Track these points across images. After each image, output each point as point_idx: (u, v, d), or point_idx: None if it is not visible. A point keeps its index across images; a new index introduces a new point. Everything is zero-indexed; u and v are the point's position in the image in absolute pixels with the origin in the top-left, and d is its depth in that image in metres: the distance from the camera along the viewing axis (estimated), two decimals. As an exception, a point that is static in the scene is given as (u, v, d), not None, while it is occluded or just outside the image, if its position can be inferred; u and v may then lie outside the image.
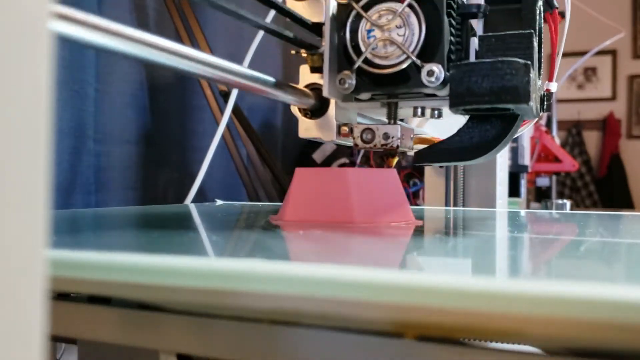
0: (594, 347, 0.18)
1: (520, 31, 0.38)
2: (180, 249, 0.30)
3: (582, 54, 1.82)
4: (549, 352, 0.19)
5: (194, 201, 0.84)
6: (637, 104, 3.60)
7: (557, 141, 2.00)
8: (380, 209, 0.43)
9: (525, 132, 1.51)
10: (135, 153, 1.03)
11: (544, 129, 1.87)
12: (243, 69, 0.39)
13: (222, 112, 1.02)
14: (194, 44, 1.06)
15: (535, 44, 0.39)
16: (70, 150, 0.86)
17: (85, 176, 0.90)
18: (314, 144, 1.59)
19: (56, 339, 0.29)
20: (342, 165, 1.54)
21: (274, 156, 1.28)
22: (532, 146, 1.69)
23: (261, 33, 0.77)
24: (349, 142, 0.48)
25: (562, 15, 0.47)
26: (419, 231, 0.42)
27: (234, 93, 0.86)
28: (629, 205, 3.40)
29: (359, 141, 0.45)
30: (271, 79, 0.41)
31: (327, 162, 1.57)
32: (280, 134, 1.56)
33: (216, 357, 0.23)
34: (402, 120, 0.53)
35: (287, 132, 1.58)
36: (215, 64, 0.36)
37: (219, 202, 0.79)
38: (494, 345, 0.21)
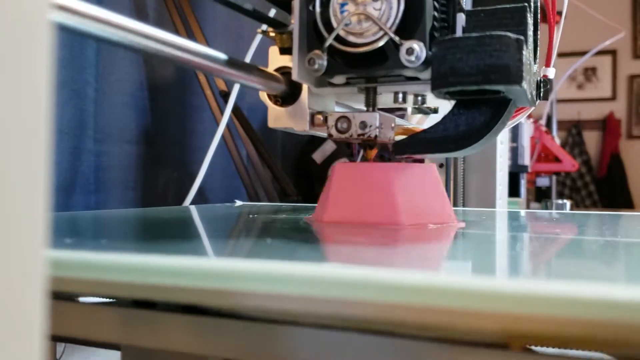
0: None
1: (513, 5, 0.34)
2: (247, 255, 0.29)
3: (582, 54, 1.82)
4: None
5: (194, 201, 0.84)
6: (637, 104, 3.60)
7: (557, 141, 2.00)
8: (424, 208, 0.40)
9: (525, 132, 1.51)
10: (135, 153, 1.03)
11: (544, 129, 1.87)
12: (203, 47, 0.35)
13: (222, 112, 1.02)
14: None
15: (530, 20, 0.35)
16: (70, 150, 0.86)
17: (85, 176, 0.90)
18: (314, 144, 1.59)
19: (56, 339, 0.29)
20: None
21: (274, 156, 1.28)
22: (532, 146, 1.69)
23: (259, 37, 0.76)
24: (323, 132, 0.43)
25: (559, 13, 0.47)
26: (473, 234, 0.39)
27: (234, 93, 0.86)
28: (629, 205, 3.40)
29: (333, 131, 0.40)
30: (238, 59, 0.38)
31: (327, 162, 1.57)
32: (280, 134, 1.56)
33: (219, 356, 0.23)
34: (402, 114, 0.50)
35: (287, 133, 1.58)
36: (169, 41, 0.33)
37: (238, 202, 0.79)
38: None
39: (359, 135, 0.39)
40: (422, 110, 0.51)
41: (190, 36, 1.06)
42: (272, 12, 0.60)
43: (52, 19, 0.13)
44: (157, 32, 0.32)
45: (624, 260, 0.30)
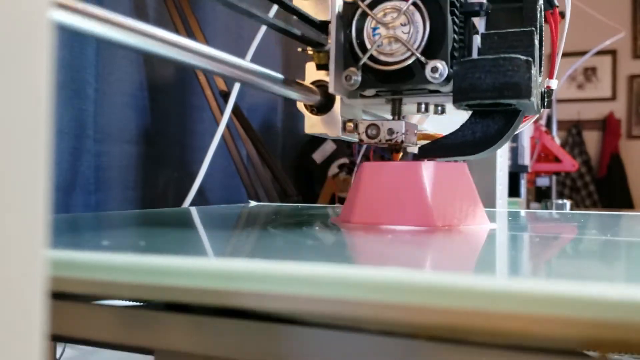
0: None
1: (522, 29, 0.39)
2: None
3: (582, 54, 1.82)
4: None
5: (194, 201, 0.84)
6: (637, 104, 3.60)
7: (557, 141, 2.00)
8: (455, 208, 0.42)
9: (525, 132, 1.51)
10: (135, 153, 1.03)
11: (544, 129, 1.87)
12: (251, 64, 0.39)
13: (222, 112, 1.02)
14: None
15: (536, 42, 0.39)
16: (70, 150, 0.86)
17: (85, 176, 0.90)
18: (314, 144, 1.59)
19: (56, 339, 0.29)
20: (342, 165, 1.54)
21: (274, 156, 1.28)
22: (532, 146, 1.69)
23: (261, 33, 0.77)
24: (354, 138, 0.49)
25: (562, 15, 0.47)
26: (509, 237, 0.40)
27: (234, 93, 0.86)
28: (629, 205, 3.40)
29: (364, 136, 0.45)
30: (278, 75, 0.42)
31: (327, 163, 1.57)
32: (280, 134, 1.56)
33: (219, 356, 0.23)
34: (403, 117, 0.53)
35: (287, 132, 1.58)
36: (222, 59, 0.36)
37: (253, 203, 0.79)
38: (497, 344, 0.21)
39: (386, 140, 0.45)
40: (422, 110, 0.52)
41: (190, 36, 1.06)
42: (272, 13, 0.61)
43: (52, 19, 0.13)
44: (197, 45, 0.34)
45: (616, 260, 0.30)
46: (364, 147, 1.50)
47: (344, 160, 1.54)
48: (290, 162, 1.62)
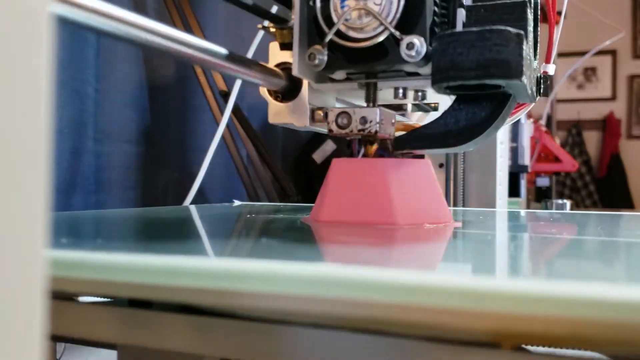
0: None
1: (513, 0, 0.34)
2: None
3: (582, 54, 1.82)
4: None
5: (194, 201, 0.84)
6: (637, 104, 3.60)
7: (557, 141, 2.00)
8: (420, 207, 0.40)
9: (525, 132, 1.51)
10: (135, 153, 1.03)
11: (544, 129, 1.87)
12: (204, 42, 0.35)
13: (222, 112, 1.02)
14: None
15: (530, 15, 0.35)
16: (70, 150, 0.86)
17: (85, 176, 0.90)
18: (314, 144, 1.59)
19: (56, 339, 0.29)
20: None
21: (274, 156, 1.28)
22: (532, 146, 1.69)
23: (261, 33, 0.76)
24: (323, 128, 0.44)
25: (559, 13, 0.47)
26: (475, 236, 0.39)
27: (234, 93, 0.86)
28: (629, 205, 3.40)
29: (333, 126, 0.39)
30: (238, 54, 0.38)
31: (327, 162, 1.57)
32: (280, 134, 1.56)
33: (219, 356, 0.23)
34: (403, 112, 0.50)
35: (287, 132, 1.58)
36: (170, 35, 0.33)
37: (237, 202, 0.79)
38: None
39: (359, 130, 0.39)
40: (422, 107, 0.51)
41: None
42: (274, 9, 0.60)
43: (53, 15, 0.13)
44: (158, 26, 0.32)
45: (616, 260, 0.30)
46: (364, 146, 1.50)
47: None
48: (290, 162, 1.62)
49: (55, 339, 0.28)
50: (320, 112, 0.43)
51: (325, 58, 0.37)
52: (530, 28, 0.35)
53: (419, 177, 0.41)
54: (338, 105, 0.46)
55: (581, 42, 2.08)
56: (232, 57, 0.37)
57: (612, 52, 3.55)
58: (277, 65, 0.44)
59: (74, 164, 0.87)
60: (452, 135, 0.35)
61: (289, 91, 0.43)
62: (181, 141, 1.16)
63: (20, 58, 0.12)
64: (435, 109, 0.50)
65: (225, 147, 1.09)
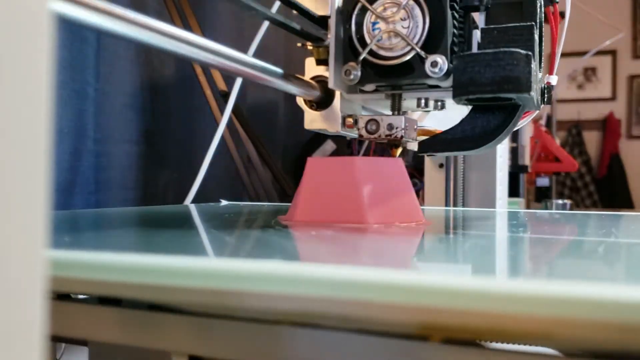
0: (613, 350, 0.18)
1: (521, 23, 0.39)
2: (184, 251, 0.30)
3: (582, 54, 1.82)
4: (567, 354, 0.19)
5: (194, 201, 0.84)
6: (637, 104, 3.60)
7: (557, 141, 2.00)
8: (390, 206, 0.42)
9: (525, 132, 1.51)
10: (135, 153, 1.03)
11: (544, 129, 1.87)
12: (250, 58, 0.39)
13: (222, 112, 1.02)
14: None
15: (536, 36, 0.39)
16: (70, 150, 0.86)
17: (85, 176, 0.90)
18: (314, 144, 1.59)
19: (56, 339, 0.29)
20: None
21: (274, 156, 1.28)
22: (532, 146, 1.69)
23: (261, 33, 0.77)
24: (353, 133, 0.49)
25: (562, 15, 0.47)
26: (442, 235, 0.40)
27: (234, 93, 0.86)
28: (629, 205, 3.40)
29: (363, 132, 0.45)
30: (278, 69, 0.42)
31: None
32: (281, 134, 1.56)
33: (219, 357, 0.23)
34: (404, 113, 0.53)
35: (287, 132, 1.58)
36: (221, 52, 0.36)
37: (224, 202, 0.79)
38: (501, 346, 0.21)
39: (386, 135, 0.44)
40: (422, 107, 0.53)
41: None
42: (274, 9, 0.60)
43: (53, 14, 0.13)
44: (196, 37, 0.34)
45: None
46: (364, 146, 1.50)
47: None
48: (290, 162, 1.62)
49: (55, 339, 0.28)
50: (351, 119, 0.48)
51: (359, 74, 0.42)
52: (536, 47, 0.39)
53: (389, 174, 0.43)
54: (364, 112, 0.52)
55: (581, 42, 2.08)
56: (273, 72, 0.41)
57: (612, 52, 3.55)
58: (312, 78, 0.50)
59: (74, 164, 0.87)
60: (469, 140, 0.40)
61: (323, 101, 0.49)
62: (181, 141, 1.16)
63: (20, 58, 0.12)
64: (443, 106, 0.53)
65: (225, 147, 1.09)
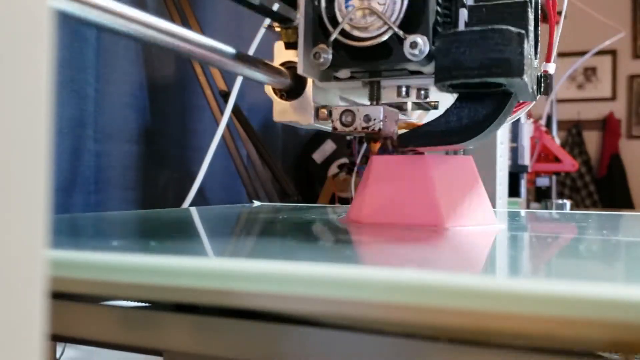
0: None
1: (514, 0, 0.35)
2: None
3: (582, 54, 1.82)
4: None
5: (194, 202, 0.84)
6: (637, 104, 3.60)
7: (557, 141, 2.00)
8: (465, 207, 0.38)
9: (525, 132, 1.51)
10: (135, 153, 1.03)
11: (544, 129, 1.87)
12: (207, 39, 0.36)
13: (222, 112, 1.02)
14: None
15: (531, 15, 0.35)
16: (70, 150, 0.86)
17: (85, 176, 0.90)
18: (314, 144, 1.59)
19: (56, 339, 0.28)
20: (342, 165, 1.53)
21: (274, 156, 1.28)
22: (532, 146, 1.69)
23: (261, 33, 0.76)
24: (327, 126, 0.44)
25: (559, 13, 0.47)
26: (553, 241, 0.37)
27: (234, 93, 0.86)
28: (629, 205, 3.40)
29: (337, 124, 0.40)
30: (244, 53, 0.38)
31: (327, 163, 1.57)
32: (280, 134, 1.56)
33: (219, 356, 0.23)
34: (404, 111, 0.50)
35: (287, 132, 1.58)
36: (175, 32, 0.33)
37: (257, 203, 0.79)
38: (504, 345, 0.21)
39: (363, 128, 0.40)
40: (422, 106, 0.51)
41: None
42: (275, 7, 0.59)
43: (53, 9, 0.13)
44: (163, 23, 0.32)
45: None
46: (364, 146, 1.50)
47: (344, 160, 1.54)
48: (290, 162, 1.62)
49: (55, 339, 0.28)
50: (325, 111, 0.44)
51: (330, 57, 0.37)
52: (531, 27, 0.35)
53: (463, 174, 0.40)
54: (342, 103, 0.47)
55: (581, 42, 2.07)
56: (237, 56, 0.38)
57: (612, 52, 3.55)
58: (282, 64, 0.45)
59: (74, 164, 0.87)
60: (455, 133, 0.36)
61: (293, 90, 0.44)
62: (181, 141, 1.16)
63: (20, 58, 0.12)
64: (436, 107, 0.50)
65: (225, 147, 1.09)
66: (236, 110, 1.10)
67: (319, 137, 1.56)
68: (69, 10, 0.25)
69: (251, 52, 0.79)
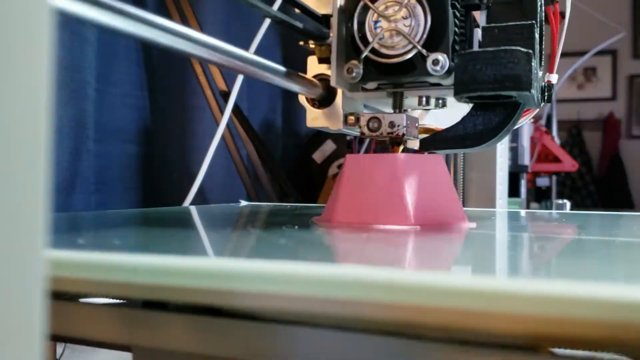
0: None
1: (522, 22, 0.39)
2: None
3: (582, 54, 1.82)
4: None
5: (194, 201, 0.84)
6: (637, 104, 3.60)
7: (557, 141, 2.00)
8: (435, 206, 0.41)
9: (525, 132, 1.51)
10: (135, 153, 1.03)
11: (544, 129, 1.87)
12: (253, 56, 0.39)
13: (222, 112, 1.02)
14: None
15: (537, 35, 0.39)
16: (70, 150, 0.86)
17: (85, 176, 0.90)
18: (314, 144, 1.59)
19: (56, 339, 0.29)
20: (342, 165, 1.53)
21: (274, 156, 1.28)
22: (532, 146, 1.69)
23: (261, 33, 0.77)
24: (355, 131, 0.49)
25: (562, 15, 0.47)
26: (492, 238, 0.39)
27: (234, 93, 0.86)
28: (629, 205, 3.40)
29: (365, 130, 0.45)
30: (281, 67, 0.42)
31: (327, 163, 1.57)
32: (280, 134, 1.56)
33: (220, 356, 0.23)
34: (405, 111, 0.53)
35: (287, 132, 1.58)
36: (224, 49, 0.36)
37: (243, 202, 0.79)
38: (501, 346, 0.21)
39: (388, 133, 0.44)
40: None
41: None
42: (275, 7, 0.60)
43: (53, 8, 0.13)
44: (198, 34, 0.34)
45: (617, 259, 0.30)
46: (364, 146, 1.50)
47: (344, 160, 1.54)
48: (290, 162, 1.62)
49: (55, 339, 0.28)
50: (352, 117, 0.48)
51: (361, 72, 0.42)
52: (537, 45, 0.40)
53: (433, 172, 0.42)
54: (366, 110, 0.51)
55: (581, 42, 2.08)
56: (276, 70, 0.42)
57: (612, 52, 3.55)
58: (315, 77, 0.50)
59: (74, 164, 0.87)
60: (470, 138, 0.40)
61: (325, 99, 0.49)
62: (181, 141, 1.16)
63: (20, 58, 0.12)
64: (444, 104, 0.53)
65: (225, 147, 1.09)
66: (236, 110, 1.10)
67: (319, 137, 1.56)
68: (69, 9, 0.25)
69: (252, 50, 0.79)
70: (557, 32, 0.45)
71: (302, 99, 0.50)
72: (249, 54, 0.39)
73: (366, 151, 1.48)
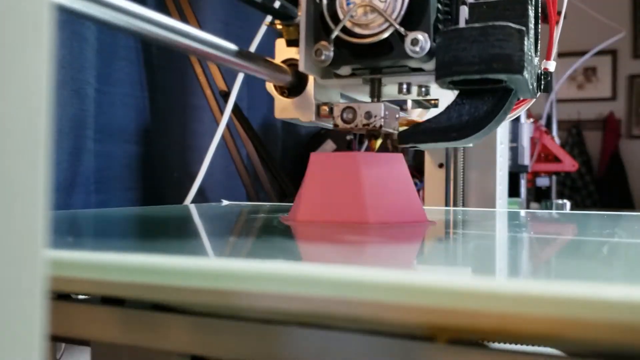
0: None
1: None
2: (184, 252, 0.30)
3: (582, 54, 1.82)
4: (571, 354, 0.19)
5: (194, 201, 0.84)
6: (637, 104, 3.60)
7: (557, 141, 2.00)
8: (393, 204, 0.39)
9: (525, 132, 1.51)
10: (135, 153, 1.03)
11: (544, 129, 1.87)
12: (208, 35, 0.36)
13: (222, 112, 1.02)
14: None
15: (531, 12, 0.35)
16: (70, 150, 0.86)
17: (85, 176, 0.90)
18: (314, 144, 1.59)
19: (56, 339, 0.29)
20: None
21: (274, 156, 1.28)
22: (532, 146, 1.69)
23: (261, 34, 0.76)
24: (328, 123, 0.45)
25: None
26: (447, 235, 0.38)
27: (234, 93, 0.86)
28: (629, 205, 3.40)
29: (339, 121, 0.40)
30: (243, 49, 0.38)
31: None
32: (280, 134, 1.56)
33: (221, 357, 0.23)
34: (404, 110, 0.50)
35: (287, 132, 1.58)
36: (176, 28, 0.33)
37: (225, 202, 0.79)
38: (505, 346, 0.21)
39: (364, 125, 0.40)
40: (423, 104, 0.51)
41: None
42: (277, 4, 0.60)
43: (53, 6, 0.13)
44: (163, 18, 0.32)
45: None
46: (364, 146, 1.50)
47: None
48: (290, 162, 1.62)
49: (55, 339, 0.28)
50: (326, 108, 0.44)
51: (332, 54, 0.37)
52: (531, 25, 0.35)
53: (392, 171, 0.40)
54: (342, 100, 0.47)
55: (581, 42, 2.08)
56: (238, 53, 0.38)
57: (612, 52, 3.55)
58: (284, 62, 0.45)
59: (74, 164, 0.87)
60: (455, 129, 0.35)
61: (294, 87, 0.44)
62: (181, 141, 1.16)
63: (20, 57, 0.12)
64: (436, 105, 0.51)
65: (225, 147, 1.09)
66: (236, 110, 1.10)
67: (319, 137, 1.56)
68: (69, 5, 0.25)
69: (252, 50, 0.79)
70: (555, 13, 0.40)
71: (269, 87, 0.45)
72: (205, 34, 0.35)
73: (366, 151, 1.48)
